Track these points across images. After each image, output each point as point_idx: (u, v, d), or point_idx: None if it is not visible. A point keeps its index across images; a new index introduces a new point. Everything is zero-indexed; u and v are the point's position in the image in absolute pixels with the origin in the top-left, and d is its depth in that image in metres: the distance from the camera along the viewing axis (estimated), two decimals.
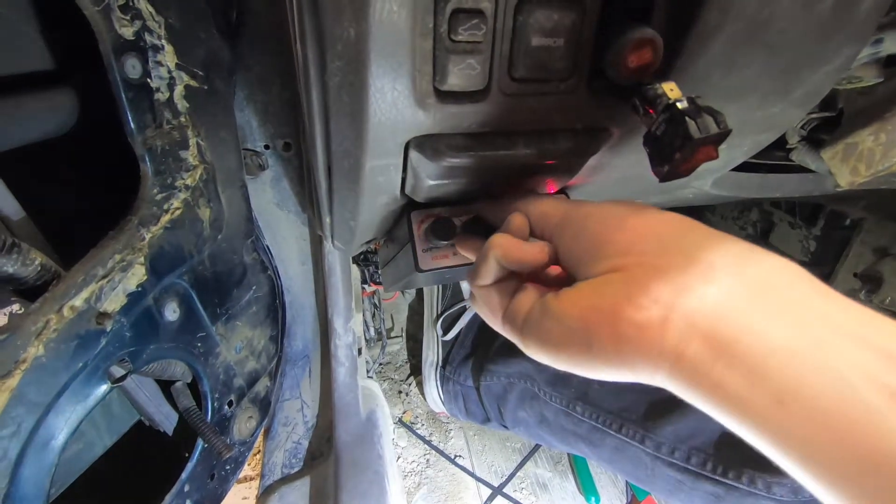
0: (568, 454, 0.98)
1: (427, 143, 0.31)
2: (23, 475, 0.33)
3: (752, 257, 0.22)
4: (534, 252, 0.30)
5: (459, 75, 0.27)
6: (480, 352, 0.89)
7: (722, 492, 0.56)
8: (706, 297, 0.21)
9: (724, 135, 0.26)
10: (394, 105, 0.28)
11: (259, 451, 0.76)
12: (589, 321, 0.24)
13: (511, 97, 0.30)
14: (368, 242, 0.54)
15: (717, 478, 0.57)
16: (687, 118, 0.26)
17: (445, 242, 0.39)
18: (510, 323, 0.30)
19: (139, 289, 0.40)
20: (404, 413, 1.00)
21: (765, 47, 0.32)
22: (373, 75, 0.26)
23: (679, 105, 0.27)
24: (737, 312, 0.20)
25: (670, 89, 0.28)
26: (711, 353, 0.20)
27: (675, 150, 0.27)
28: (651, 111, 0.29)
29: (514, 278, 0.32)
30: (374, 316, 1.01)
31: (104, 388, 0.38)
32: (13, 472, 0.32)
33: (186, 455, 0.52)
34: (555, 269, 0.34)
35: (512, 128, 0.32)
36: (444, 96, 0.28)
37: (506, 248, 0.30)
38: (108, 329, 0.38)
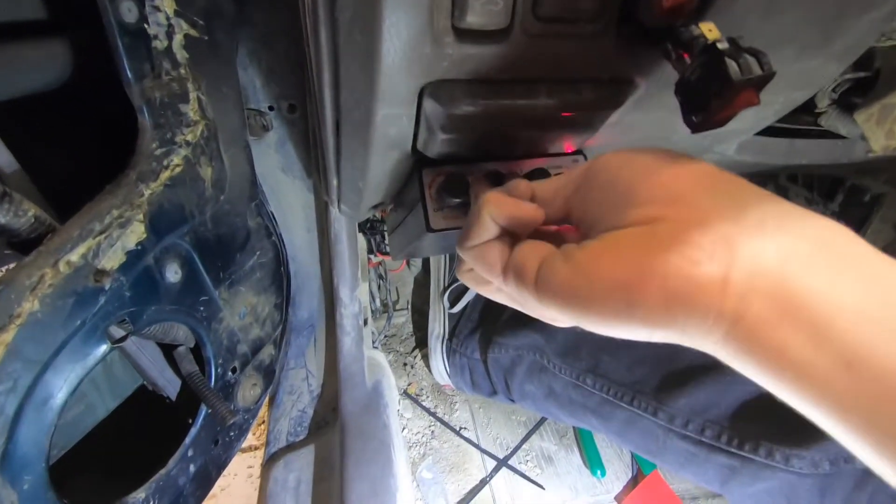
0: (574, 427, 0.98)
1: (443, 90, 0.29)
2: (21, 433, 0.32)
3: (806, 216, 0.21)
4: (531, 208, 0.28)
5: (480, 11, 0.25)
6: (488, 324, 0.88)
7: (737, 464, 0.55)
8: (766, 253, 0.19)
9: (767, 77, 0.24)
10: (408, 44, 0.26)
11: (263, 421, 0.76)
12: (630, 277, 0.21)
13: (534, 38, 0.27)
14: (376, 207, 0.52)
15: (733, 450, 0.56)
16: (727, 59, 0.24)
17: (458, 200, 0.37)
18: (517, 276, 0.26)
19: (138, 247, 0.39)
20: (409, 385, 1.00)
21: None
22: (388, 8, 0.24)
23: (719, 45, 0.25)
24: (800, 270, 0.19)
25: (709, 30, 0.26)
26: (776, 314, 0.18)
27: (712, 95, 0.25)
28: (685, 55, 0.27)
29: (509, 236, 0.29)
30: (379, 287, 1.00)
31: (104, 348, 0.37)
32: (11, 429, 0.31)
33: (190, 421, 0.51)
34: (558, 228, 0.31)
35: (533, 75, 0.30)
36: (463, 35, 0.26)
37: (500, 203, 0.27)
38: (107, 287, 0.36)
